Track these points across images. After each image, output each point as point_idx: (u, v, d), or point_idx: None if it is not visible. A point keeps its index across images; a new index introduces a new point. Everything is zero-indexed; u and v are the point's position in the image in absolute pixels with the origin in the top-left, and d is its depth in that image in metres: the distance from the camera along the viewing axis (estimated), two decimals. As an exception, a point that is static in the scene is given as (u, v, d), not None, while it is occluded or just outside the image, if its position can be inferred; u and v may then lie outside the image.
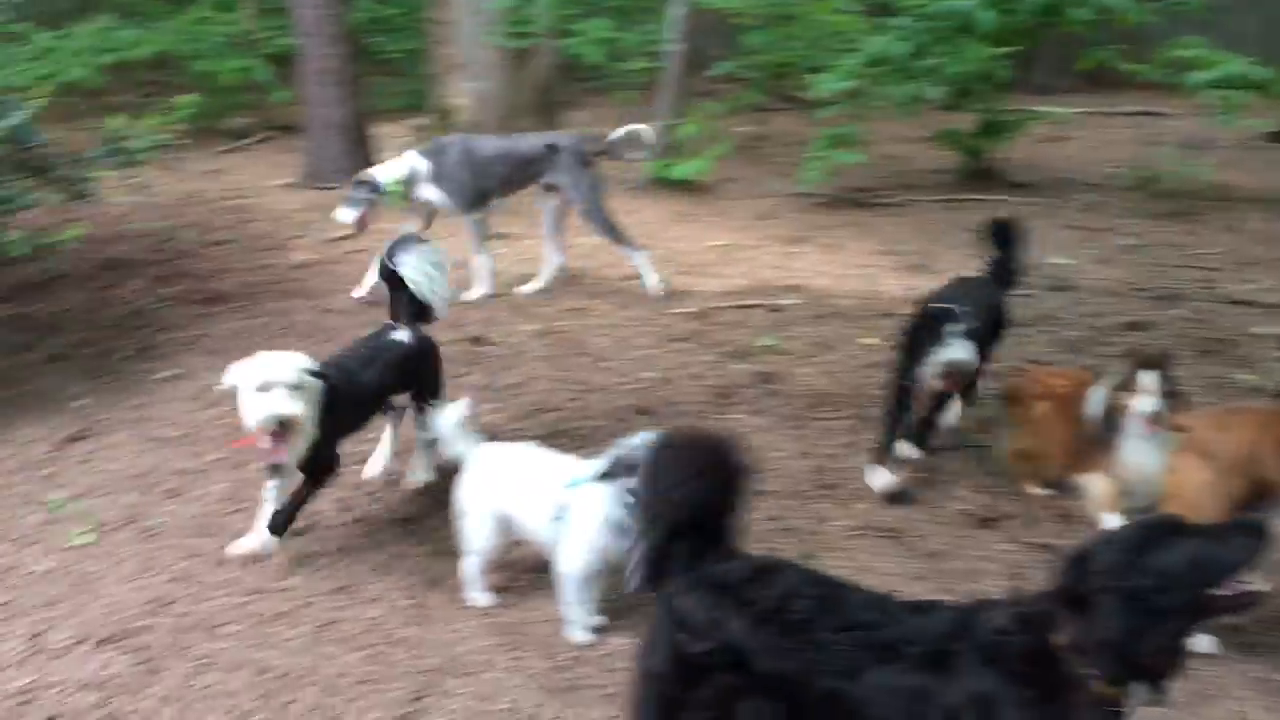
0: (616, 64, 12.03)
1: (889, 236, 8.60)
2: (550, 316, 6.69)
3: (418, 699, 3.27)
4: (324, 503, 4.48)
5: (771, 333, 6.42)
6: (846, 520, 4.41)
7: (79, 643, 3.48)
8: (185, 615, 3.66)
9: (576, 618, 3.58)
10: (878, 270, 7.79)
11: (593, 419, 5.28)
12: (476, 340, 6.26)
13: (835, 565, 4.11)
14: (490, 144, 6.95)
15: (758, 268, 7.81)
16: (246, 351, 5.94)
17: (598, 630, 3.61)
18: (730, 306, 6.92)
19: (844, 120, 9.46)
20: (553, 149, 6.76)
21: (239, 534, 4.18)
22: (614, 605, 3.79)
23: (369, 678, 3.36)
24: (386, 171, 6.69)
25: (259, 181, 10.50)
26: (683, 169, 9.58)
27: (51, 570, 3.94)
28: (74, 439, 5.07)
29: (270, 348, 6.06)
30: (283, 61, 12.82)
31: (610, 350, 6.17)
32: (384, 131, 11.16)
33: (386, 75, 15.76)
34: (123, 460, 4.87)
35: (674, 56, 9.84)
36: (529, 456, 3.81)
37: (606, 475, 3.38)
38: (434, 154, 6.77)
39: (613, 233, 6.99)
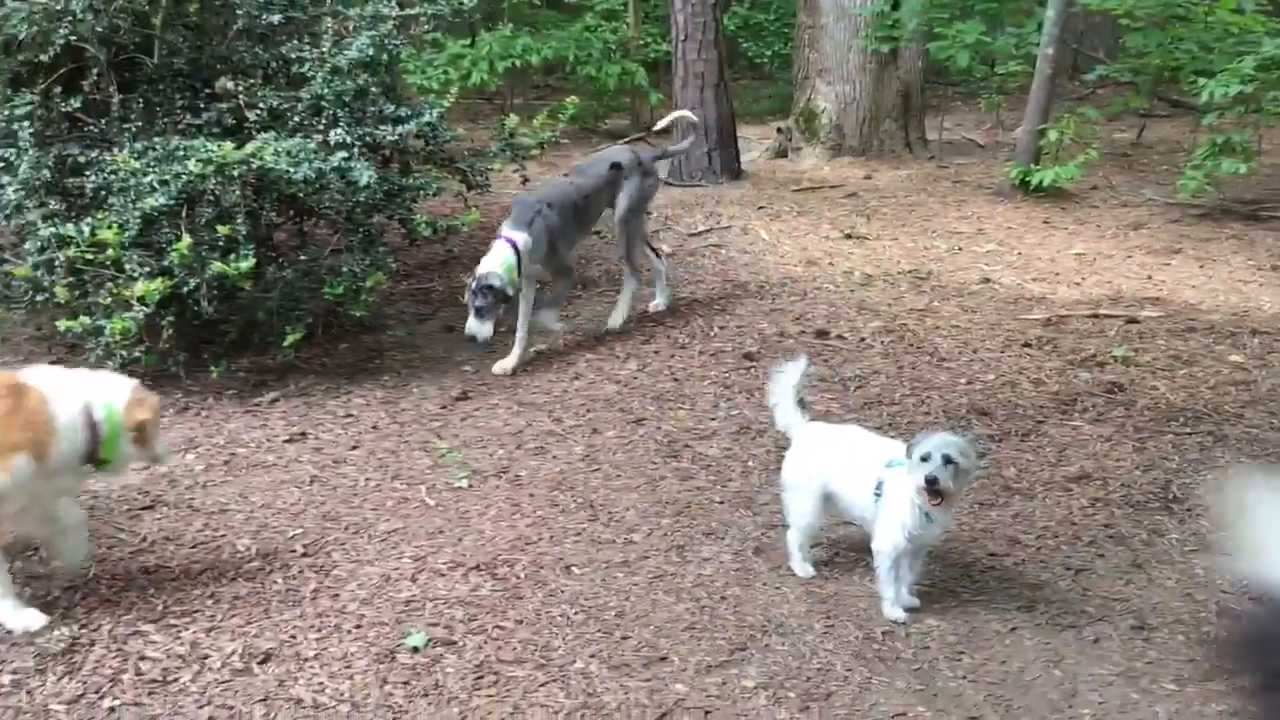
0: (985, 68, 11.84)
1: (1273, 252, 7.99)
2: (895, 315, 6.79)
3: (739, 650, 3.55)
4: (665, 470, 4.88)
5: (1125, 344, 6.20)
6: (1184, 535, 4.26)
7: (455, 567, 4.03)
8: (543, 554, 4.14)
9: (889, 595, 3.73)
10: (1256, 286, 7.29)
11: (929, 415, 5.37)
12: (821, 334, 6.48)
13: (1162, 578, 4.02)
14: (566, 190, 6.45)
15: (1118, 278, 7.52)
16: (607, 331, 6.47)
17: (910, 610, 3.75)
18: (1084, 315, 6.74)
19: (1232, 126, 8.86)
20: (617, 167, 6.59)
21: (595, 490, 4.66)
22: (929, 588, 3.91)
23: (695, 625, 3.68)
24: (496, 263, 5.93)
25: (630, 178, 11.23)
26: (1046, 175, 9.32)
27: (435, 506, 4.56)
28: (459, 399, 5.76)
29: (630, 330, 6.60)
30: (657, 67, 13.60)
31: (953, 351, 6.20)
32: (749, 134, 11.61)
33: (754, 80, 16.25)
34: (497, 419, 5.50)
35: (1046, 59, 9.58)
36: (854, 436, 4.00)
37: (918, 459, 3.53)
38: (523, 223, 6.09)
39: (630, 249, 6.70)
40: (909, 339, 6.41)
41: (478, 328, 5.91)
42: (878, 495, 3.69)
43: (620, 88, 13.11)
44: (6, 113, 5.76)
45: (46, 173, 5.63)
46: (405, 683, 3.34)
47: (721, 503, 4.60)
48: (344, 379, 6.01)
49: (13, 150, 5.69)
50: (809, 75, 11.36)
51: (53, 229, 5.45)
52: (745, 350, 6.30)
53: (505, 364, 6.13)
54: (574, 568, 4.05)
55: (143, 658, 3.43)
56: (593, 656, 3.50)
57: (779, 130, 11.84)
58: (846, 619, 3.73)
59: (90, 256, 5.38)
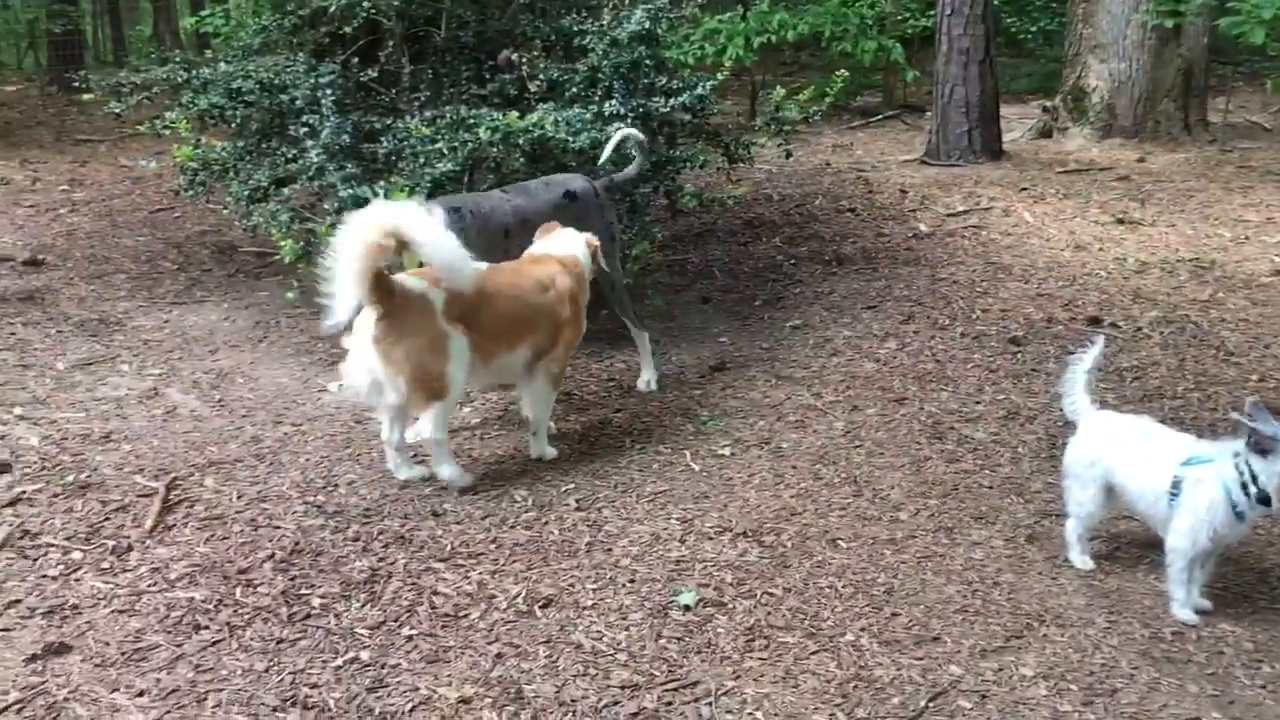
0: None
1: None
2: (1175, 305, 6.43)
3: (1015, 637, 3.46)
4: (930, 450, 4.80)
5: None
6: None
7: (722, 532, 4.10)
8: (808, 526, 4.15)
9: (1180, 595, 3.55)
10: None
11: (1215, 412, 5.07)
12: (1094, 321, 6.20)
13: None
14: (498, 205, 5.22)
15: None
16: (864, 310, 6.41)
17: (1201, 613, 3.56)
18: (1393, 313, 6.19)
19: None
20: (572, 197, 5.36)
21: (858, 466, 4.64)
22: (1221, 591, 3.70)
23: (967, 609, 3.62)
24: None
25: (884, 156, 11.04)
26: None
27: (700, 471, 4.64)
28: (717, 368, 5.83)
29: (888, 310, 6.52)
30: (913, 43, 13.28)
31: (1241, 345, 5.82)
32: (1008, 113, 11.19)
33: (1015, 57, 15.64)
34: (756, 391, 5.53)
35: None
36: (1145, 428, 3.81)
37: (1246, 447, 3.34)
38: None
39: (620, 298, 5.61)
40: (1191, 331, 6.05)
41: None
42: (1174, 494, 3.51)
43: (876, 64, 12.89)
44: (312, 81, 6.19)
45: (346, 138, 6.02)
46: (679, 638, 3.42)
47: (990, 487, 4.49)
48: (606, 344, 6.18)
49: (317, 116, 6.11)
50: (1080, 52, 10.85)
51: (350, 190, 5.82)
52: (1011, 335, 6.11)
53: None
54: (840, 541, 4.05)
55: (435, 593, 3.65)
56: (863, 630, 3.49)
57: (1044, 109, 11.39)
58: (1131, 616, 3.58)
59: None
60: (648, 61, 6.24)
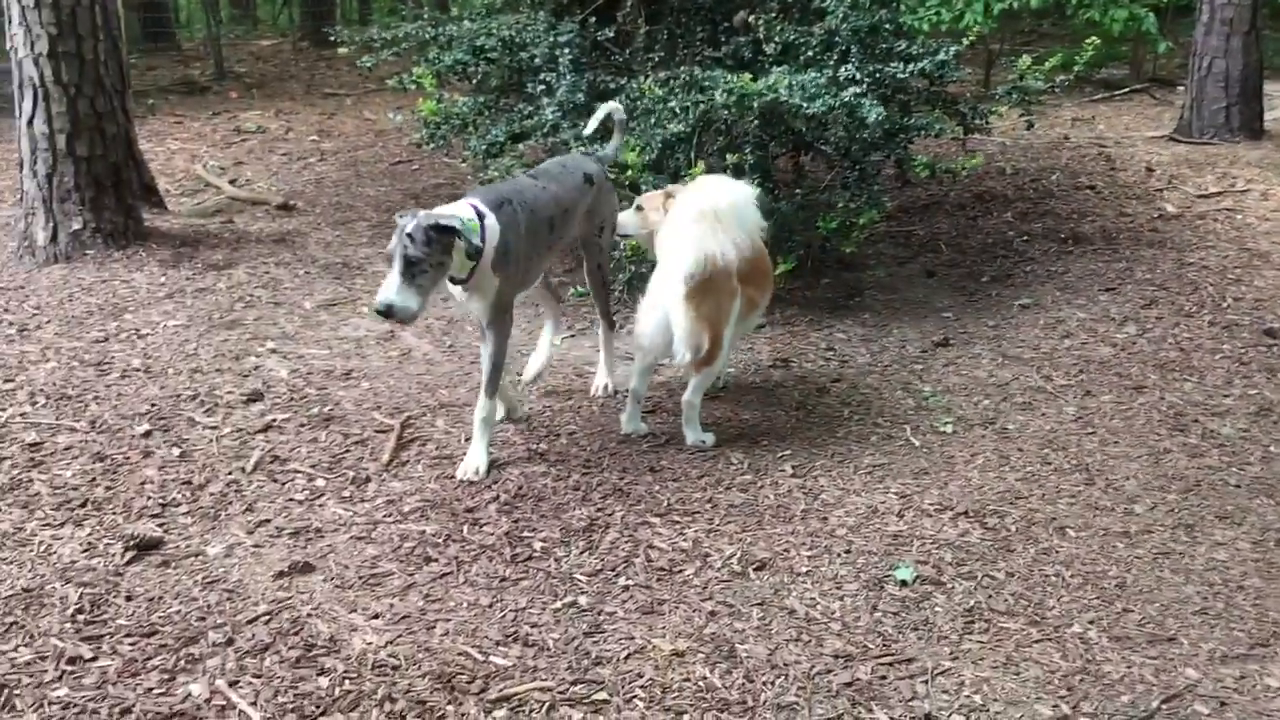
0: None
1: None
2: None
3: (1260, 645, 3.25)
4: (1170, 443, 4.54)
5: None
6: None
7: (942, 510, 4.00)
8: (1034, 511, 4.00)
9: None
10: None
11: None
12: (1270, 334, 5.69)
13: None
14: (539, 195, 4.40)
15: None
16: (1101, 292, 6.11)
17: None
18: None
19: None
20: (590, 181, 4.69)
21: (1089, 454, 4.44)
22: None
23: (1207, 611, 3.41)
24: (458, 212, 4.12)
25: (1129, 132, 10.45)
26: None
27: (920, 447, 4.53)
28: (940, 344, 5.67)
29: (1128, 293, 6.18)
30: (1166, 13, 12.46)
31: None
32: (1272, 90, 10.39)
33: (1282, 29, 14.50)
34: (981, 369, 5.36)
35: None
36: None
37: None
38: (491, 205, 4.16)
39: (606, 294, 5.00)
40: None
41: (396, 295, 3.78)
42: None
43: (1124, 34, 12.16)
44: (551, 40, 6.32)
45: (580, 96, 6.12)
46: (895, 613, 3.36)
47: (1237, 486, 4.21)
48: (825, 313, 6.10)
49: (553, 74, 6.24)
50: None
51: (582, 149, 5.93)
52: (1266, 326, 5.69)
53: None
54: (1069, 529, 3.88)
55: (651, 546, 3.70)
56: (1091, 623, 3.34)
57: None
58: (1396, 635, 3.31)
59: (612, 176, 5.81)
60: (887, 26, 6.08)
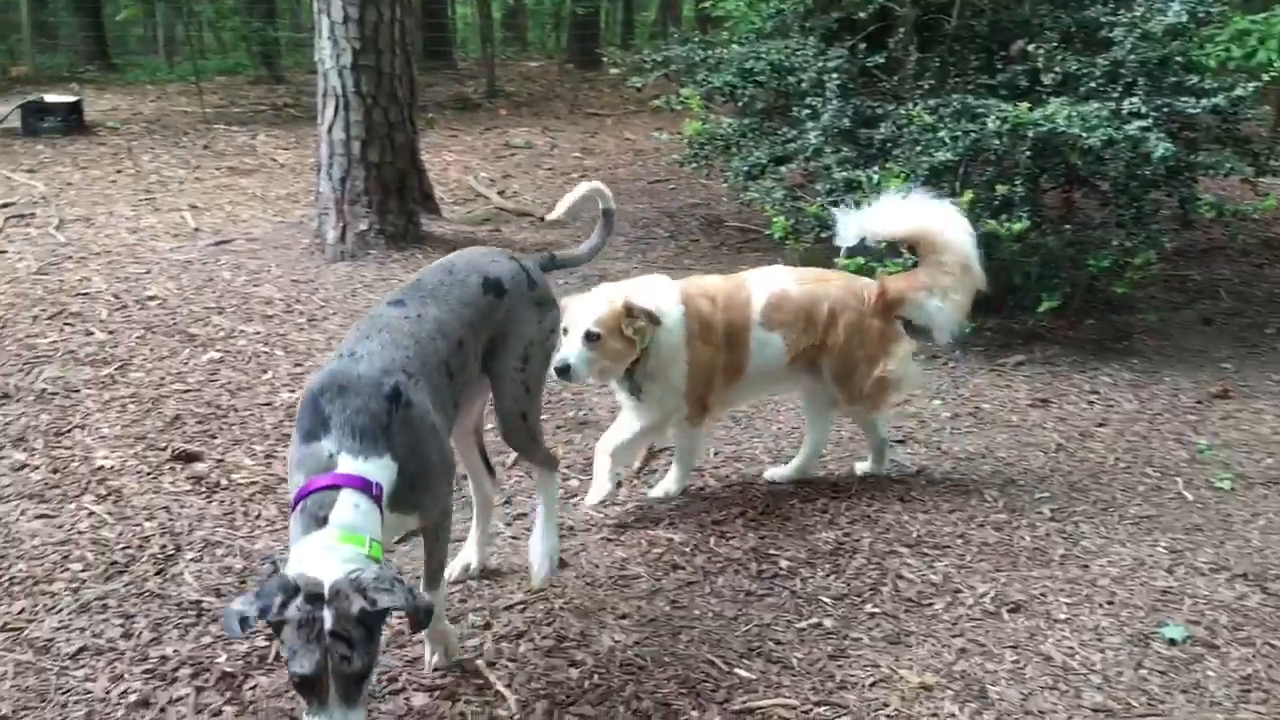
0: None
1: None
2: None
3: None
4: None
5: None
6: None
7: (1217, 570, 3.74)
8: (1323, 580, 3.70)
9: None
10: None
11: None
12: None
13: None
14: (419, 336, 2.93)
15: None
16: None
17: None
18: None
19: None
20: (496, 289, 3.11)
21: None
22: None
23: None
24: (330, 558, 2.45)
25: None
26: None
27: (1193, 501, 4.27)
28: (1219, 396, 5.33)
29: None
30: None
31: None
32: None
33: None
34: (1264, 425, 5.00)
35: None
36: None
37: None
38: (374, 437, 2.67)
39: (532, 440, 3.37)
40: None
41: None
42: None
43: None
44: (819, 65, 6.34)
45: (845, 121, 6.11)
46: (1162, 672, 3.17)
47: None
48: (1089, 354, 5.85)
49: (820, 99, 6.26)
50: None
51: (845, 173, 5.91)
52: None
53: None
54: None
55: (899, 576, 3.64)
56: (1388, 707, 3.06)
57: None
58: None
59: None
60: (1178, 59, 5.78)
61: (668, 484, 4.19)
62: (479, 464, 3.57)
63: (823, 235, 6.05)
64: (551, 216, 4.11)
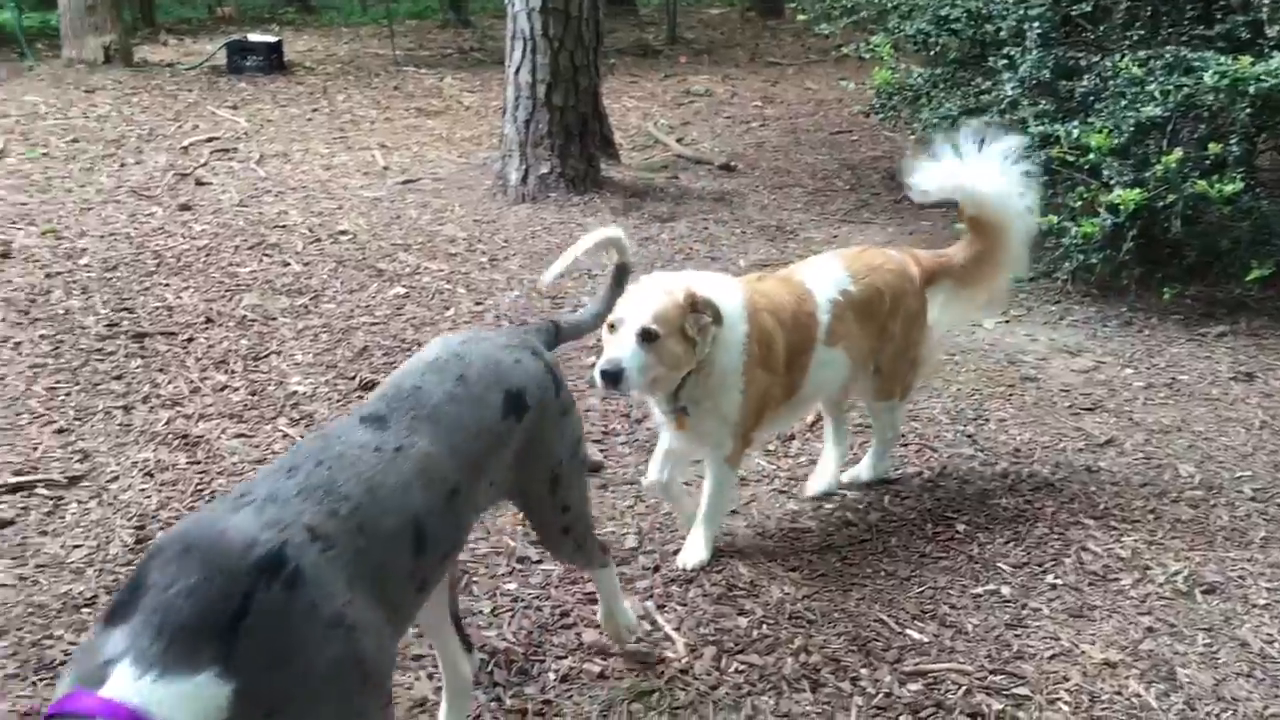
0: None
1: None
2: None
3: None
4: None
5: None
6: None
7: None
8: None
9: None
10: None
11: None
12: None
13: None
14: (373, 480, 1.99)
15: None
16: None
17: None
18: None
19: None
20: (519, 405, 2.34)
21: None
22: None
23: None
24: None
25: None
26: None
27: None
28: None
29: None
30: None
31: None
32: None
33: None
34: None
35: None
36: None
37: None
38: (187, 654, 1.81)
39: (588, 548, 2.73)
40: None
41: None
42: None
43: None
44: (1020, 12, 6.05)
45: (1045, 73, 5.83)
46: (1372, 669, 2.97)
47: None
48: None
49: (1018, 49, 5.98)
50: None
51: (1041, 127, 5.64)
52: None
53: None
54: None
55: (1084, 549, 3.49)
56: None
57: None
58: None
59: (1071, 158, 5.49)
60: None
61: (691, 552, 3.35)
62: (450, 637, 2.55)
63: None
64: (543, 283, 3.04)
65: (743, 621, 3.07)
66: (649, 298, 3.05)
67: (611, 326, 3.02)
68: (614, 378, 2.96)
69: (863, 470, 3.88)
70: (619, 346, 3.00)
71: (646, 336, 2.99)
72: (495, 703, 2.71)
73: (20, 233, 6.06)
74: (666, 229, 6.75)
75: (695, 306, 3.07)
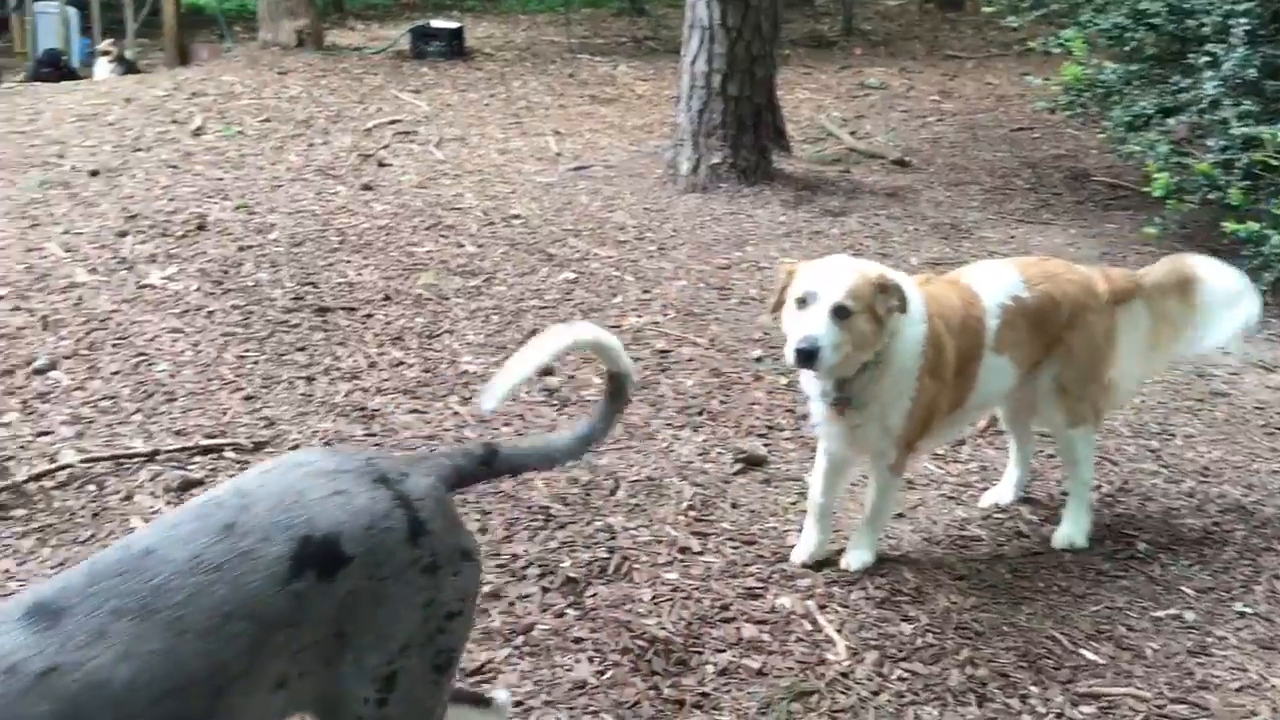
0: None
1: None
2: None
3: None
4: None
5: None
6: None
7: None
8: None
9: None
10: None
11: None
12: None
13: None
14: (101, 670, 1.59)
15: None
16: None
17: None
18: None
19: None
20: (324, 566, 1.70)
21: None
22: None
23: None
24: None
25: None
26: None
27: None
28: None
29: None
30: None
31: None
32: None
33: None
34: None
35: None
36: None
37: None
38: None
39: None
40: None
41: None
42: None
43: None
44: (1225, 8, 5.73)
45: (1251, 71, 5.51)
46: None
47: None
48: None
49: (1222, 46, 5.67)
50: None
51: (1244, 128, 5.35)
52: None
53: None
54: None
55: (1276, 577, 3.29)
56: None
57: None
58: None
59: (1275, 162, 5.18)
60: None
61: (856, 554, 3.28)
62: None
63: (1209, 197, 5.53)
64: (484, 406, 2.20)
65: (907, 628, 3.00)
66: (842, 274, 2.93)
67: (801, 302, 2.92)
68: (809, 356, 2.83)
69: (1066, 534, 3.46)
70: (812, 323, 2.86)
71: (840, 313, 2.87)
72: (653, 691, 2.72)
73: (216, 206, 6.37)
74: (837, 223, 6.64)
75: (884, 288, 2.95)
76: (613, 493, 3.62)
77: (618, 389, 2.19)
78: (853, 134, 9.05)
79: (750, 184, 7.12)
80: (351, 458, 1.82)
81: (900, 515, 3.54)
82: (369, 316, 4.97)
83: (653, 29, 14.67)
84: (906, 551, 3.37)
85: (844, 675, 2.80)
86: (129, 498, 3.48)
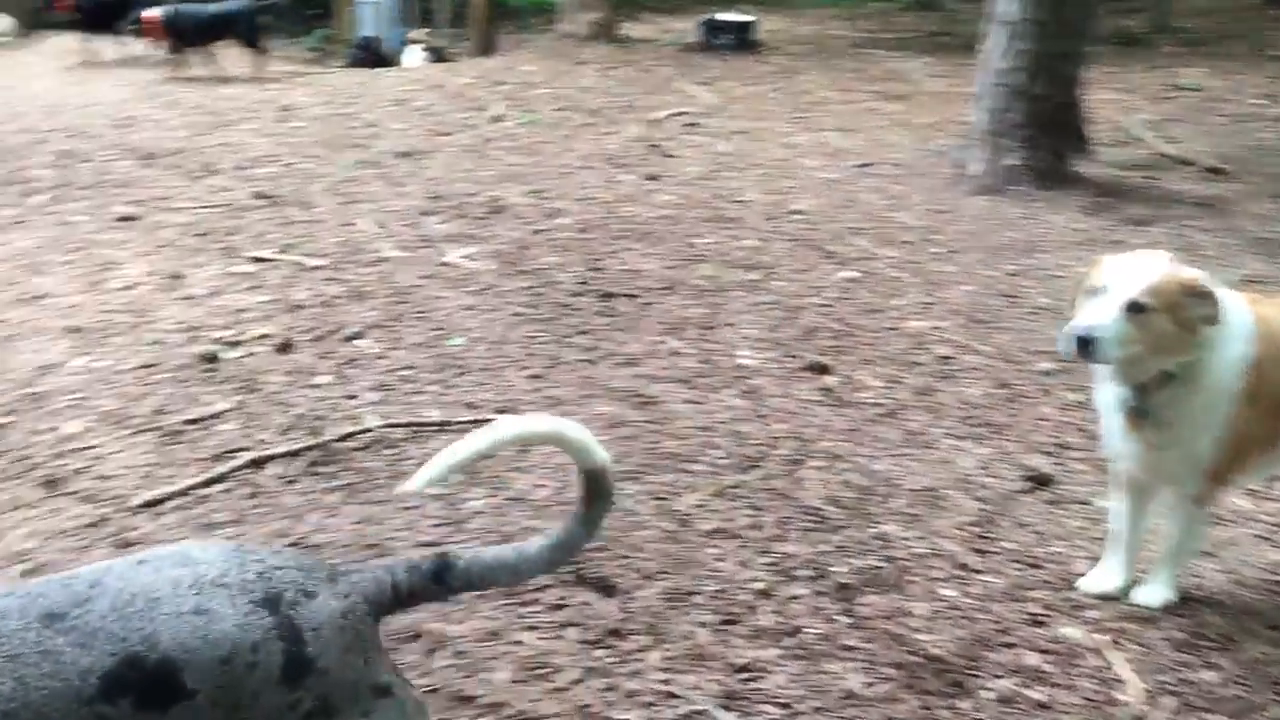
0: None
1: None
2: None
3: None
4: None
5: None
6: None
7: None
8: None
9: None
10: None
11: None
12: None
13: None
14: None
15: None
16: None
17: None
18: None
19: None
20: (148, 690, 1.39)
21: None
22: None
23: None
24: None
25: None
26: None
27: None
28: None
29: None
30: None
31: None
32: None
33: None
34: None
35: None
36: None
37: None
38: None
39: None
40: None
41: None
42: None
43: None
44: None
45: None
46: None
47: None
48: None
49: None
50: None
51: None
52: None
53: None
54: None
55: None
56: None
57: None
58: None
59: None
60: None
61: (1154, 589, 3.03)
62: None
63: None
64: (409, 488, 2.14)
65: (1210, 676, 2.75)
66: (1146, 268, 2.70)
67: (1094, 293, 2.71)
68: (1086, 344, 2.64)
69: None
70: (1098, 312, 2.66)
71: (1134, 308, 2.64)
72: (925, 710, 2.61)
73: (512, 191, 6.65)
74: (1140, 233, 6.21)
75: (1196, 293, 2.68)
76: (888, 500, 3.51)
77: (596, 487, 1.82)
78: (1162, 138, 8.45)
79: (1045, 188, 6.77)
80: (253, 564, 1.47)
81: (1206, 553, 3.26)
82: (649, 305, 5.04)
83: (945, 24, 14.23)
84: (1212, 592, 3.10)
85: (1138, 719, 2.60)
86: (422, 464, 3.67)
